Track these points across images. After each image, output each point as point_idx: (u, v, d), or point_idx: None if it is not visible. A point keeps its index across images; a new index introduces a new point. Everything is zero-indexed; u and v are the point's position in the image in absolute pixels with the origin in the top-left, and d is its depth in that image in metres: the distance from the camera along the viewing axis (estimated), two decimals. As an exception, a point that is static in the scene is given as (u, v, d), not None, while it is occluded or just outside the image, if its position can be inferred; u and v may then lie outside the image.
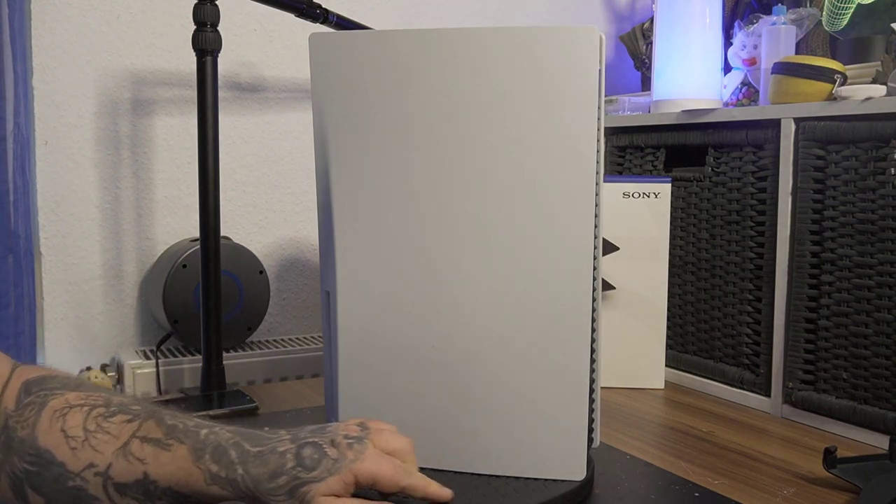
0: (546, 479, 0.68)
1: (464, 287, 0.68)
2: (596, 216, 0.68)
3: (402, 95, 0.68)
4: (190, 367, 1.12)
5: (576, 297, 0.67)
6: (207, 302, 0.98)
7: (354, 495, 0.58)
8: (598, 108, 0.67)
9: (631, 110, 1.25)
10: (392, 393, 0.70)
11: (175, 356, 1.15)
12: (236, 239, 1.25)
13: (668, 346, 1.12)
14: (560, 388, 0.68)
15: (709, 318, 1.07)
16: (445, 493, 0.61)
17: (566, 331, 0.67)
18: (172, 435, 0.59)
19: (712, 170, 1.06)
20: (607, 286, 1.06)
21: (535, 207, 0.68)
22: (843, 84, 0.93)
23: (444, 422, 0.69)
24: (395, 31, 0.68)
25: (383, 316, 0.70)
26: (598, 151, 0.67)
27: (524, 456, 0.69)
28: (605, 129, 1.23)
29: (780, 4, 1.13)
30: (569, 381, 0.68)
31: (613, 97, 1.30)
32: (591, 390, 0.70)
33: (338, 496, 0.57)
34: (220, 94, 1.23)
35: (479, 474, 0.69)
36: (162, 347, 1.19)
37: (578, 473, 0.68)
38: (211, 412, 0.91)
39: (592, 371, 0.70)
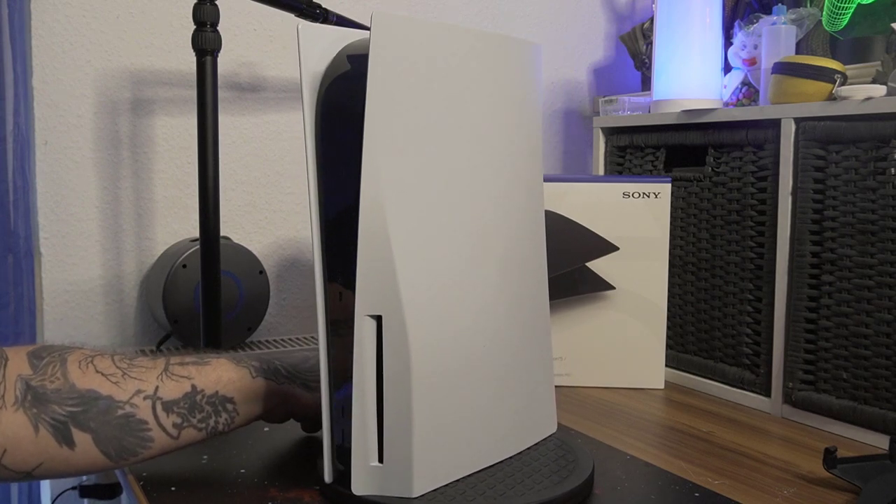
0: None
1: (491, 282, 0.71)
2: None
3: (448, 91, 0.66)
4: (190, 367, 1.12)
5: (540, 281, 0.78)
6: (207, 302, 0.98)
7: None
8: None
9: (631, 110, 1.25)
10: (461, 407, 0.67)
11: (175, 356, 1.15)
12: (236, 239, 1.25)
13: (668, 346, 1.12)
14: (539, 360, 0.77)
15: (709, 318, 1.07)
16: None
17: (538, 310, 0.77)
18: (205, 357, 0.68)
19: (712, 170, 1.06)
20: (607, 286, 1.06)
21: (521, 209, 0.73)
22: (843, 84, 0.93)
23: (487, 420, 0.70)
24: (451, 24, 0.70)
25: (449, 329, 0.66)
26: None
27: (524, 429, 0.75)
28: (605, 129, 1.23)
29: (780, 4, 1.13)
30: (544, 352, 0.78)
31: (613, 97, 1.29)
32: None
33: None
34: (220, 94, 1.23)
35: (482, 473, 0.69)
36: (162, 347, 1.19)
37: (553, 426, 0.79)
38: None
39: None
